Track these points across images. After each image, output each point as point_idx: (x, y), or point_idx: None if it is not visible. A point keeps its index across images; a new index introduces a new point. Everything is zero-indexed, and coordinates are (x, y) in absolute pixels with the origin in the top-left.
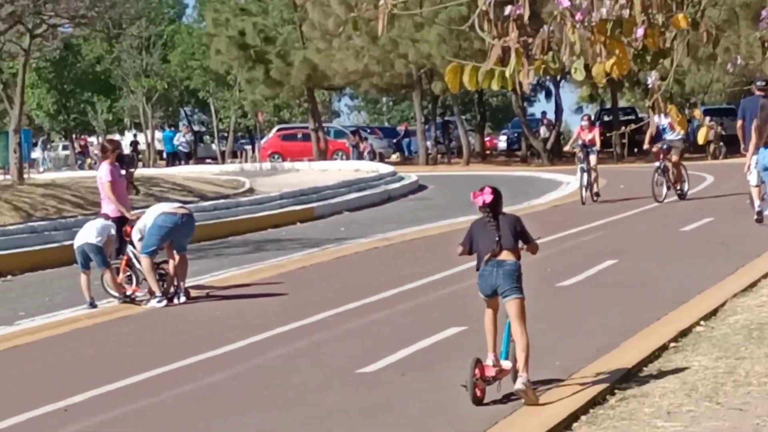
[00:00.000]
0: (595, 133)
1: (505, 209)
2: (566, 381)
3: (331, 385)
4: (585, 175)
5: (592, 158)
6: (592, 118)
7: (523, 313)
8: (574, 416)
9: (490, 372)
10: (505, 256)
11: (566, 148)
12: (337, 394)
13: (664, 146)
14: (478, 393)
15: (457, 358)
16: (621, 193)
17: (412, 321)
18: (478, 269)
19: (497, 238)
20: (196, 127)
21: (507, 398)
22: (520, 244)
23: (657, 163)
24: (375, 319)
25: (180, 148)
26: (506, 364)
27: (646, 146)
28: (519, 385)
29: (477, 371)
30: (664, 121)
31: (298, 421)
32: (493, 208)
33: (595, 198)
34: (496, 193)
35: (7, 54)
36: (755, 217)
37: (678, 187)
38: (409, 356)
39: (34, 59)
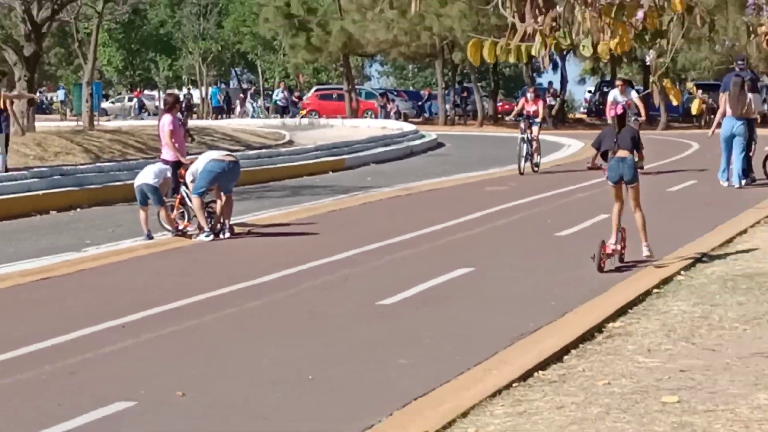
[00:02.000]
0: (540, 105)
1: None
2: (560, 319)
3: (354, 315)
4: (525, 145)
5: (534, 129)
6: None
7: (639, 194)
8: (566, 350)
9: (609, 250)
10: (625, 153)
11: (508, 118)
12: (360, 322)
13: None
14: (602, 264)
15: (464, 295)
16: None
17: (427, 261)
18: (605, 160)
19: (615, 140)
20: (244, 85)
21: (618, 269)
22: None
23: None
24: (395, 258)
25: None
26: (617, 246)
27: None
28: (645, 251)
29: (603, 248)
30: (620, 98)
31: (325, 346)
32: (620, 120)
33: (535, 169)
34: (625, 110)
35: (83, 16)
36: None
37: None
38: (423, 292)
39: (106, 21)
